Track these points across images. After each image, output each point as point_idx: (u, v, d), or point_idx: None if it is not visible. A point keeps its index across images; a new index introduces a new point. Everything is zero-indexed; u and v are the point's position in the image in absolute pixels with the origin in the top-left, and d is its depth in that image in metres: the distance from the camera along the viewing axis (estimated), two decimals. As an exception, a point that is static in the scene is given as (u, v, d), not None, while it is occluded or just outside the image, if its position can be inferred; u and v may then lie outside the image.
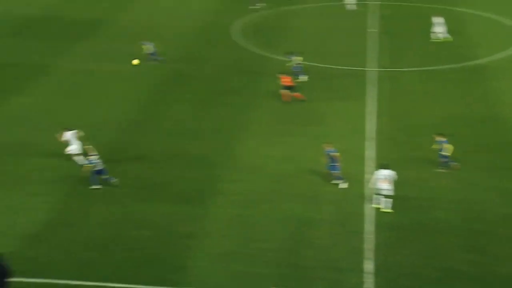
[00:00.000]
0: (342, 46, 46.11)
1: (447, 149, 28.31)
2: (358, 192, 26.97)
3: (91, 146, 27.09)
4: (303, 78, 38.94)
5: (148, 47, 41.32)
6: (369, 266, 22.26)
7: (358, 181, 27.66)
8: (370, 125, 33.18)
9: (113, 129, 32.49)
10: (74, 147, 28.31)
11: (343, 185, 27.46)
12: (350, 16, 53.77)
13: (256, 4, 56.02)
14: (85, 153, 27.10)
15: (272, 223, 25.02)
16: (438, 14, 47.65)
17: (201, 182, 27.99)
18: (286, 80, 36.23)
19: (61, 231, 23.89)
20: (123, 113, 34.37)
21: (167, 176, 28.32)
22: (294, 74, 38.37)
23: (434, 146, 28.77)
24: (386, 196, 25.57)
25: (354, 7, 55.24)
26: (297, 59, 39.31)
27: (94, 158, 26.63)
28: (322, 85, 38.89)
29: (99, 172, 26.65)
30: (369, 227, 24.58)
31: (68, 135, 28.56)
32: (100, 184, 26.67)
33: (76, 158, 28.17)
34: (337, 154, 27.42)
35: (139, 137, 31.88)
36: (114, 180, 27.00)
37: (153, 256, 22.78)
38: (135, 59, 34.50)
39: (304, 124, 33.54)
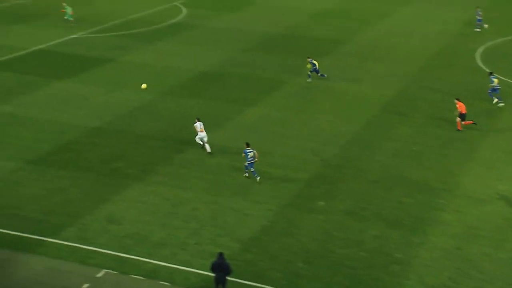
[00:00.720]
0: None
1: None
2: None
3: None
4: (500, 103, 36.87)
5: (312, 64, 40.81)
6: None
7: None
8: None
9: (338, 144, 32.22)
10: (201, 136, 30.66)
11: None
12: None
13: (484, 25, 52.84)
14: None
15: (495, 263, 22.49)
16: None
17: (419, 208, 26.32)
18: (461, 106, 33.57)
19: (277, 240, 24.10)
20: (349, 130, 33.95)
21: (383, 198, 27.14)
22: (491, 95, 37.02)
23: None
24: None
25: None
26: (495, 81, 36.95)
27: (249, 151, 28.09)
28: None
29: (250, 165, 28.16)
30: None
31: (198, 125, 30.71)
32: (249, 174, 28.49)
33: (206, 146, 30.70)
34: None
35: (361, 155, 31.14)
36: (258, 178, 28.10)
37: (361, 278, 21.85)
38: (143, 84, 33.83)
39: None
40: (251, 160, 28.22)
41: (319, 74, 41.22)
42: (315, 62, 41.04)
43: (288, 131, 33.79)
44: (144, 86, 32.47)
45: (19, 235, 23.95)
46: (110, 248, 23.31)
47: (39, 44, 47.63)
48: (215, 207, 26.29)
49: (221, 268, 20.49)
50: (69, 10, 53.08)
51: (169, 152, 31.01)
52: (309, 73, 41.09)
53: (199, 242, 23.87)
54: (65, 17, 53.01)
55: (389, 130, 34.16)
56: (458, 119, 33.73)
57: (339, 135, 33.34)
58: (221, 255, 20.67)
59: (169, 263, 22.59)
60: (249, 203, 26.62)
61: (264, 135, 33.21)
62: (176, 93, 38.97)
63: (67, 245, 23.45)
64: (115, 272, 22.09)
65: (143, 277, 21.88)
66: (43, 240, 23.66)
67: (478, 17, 53.48)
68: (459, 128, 33.63)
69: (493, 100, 37.16)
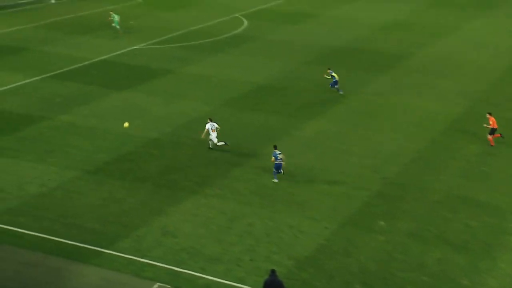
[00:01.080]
0: None
1: None
2: None
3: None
4: None
5: (331, 76, 40.51)
6: None
7: None
8: None
9: (401, 162, 31.50)
10: (212, 137, 32.11)
11: None
12: None
13: None
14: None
15: None
16: None
17: (488, 232, 25.34)
18: (492, 121, 32.75)
19: (334, 259, 23.67)
20: (413, 147, 33.18)
21: (448, 220, 26.28)
22: None
23: None
24: None
25: None
26: None
27: (278, 153, 29.05)
28: None
29: (277, 166, 28.97)
30: None
31: (208, 126, 32.06)
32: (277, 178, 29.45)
33: (219, 145, 32.16)
34: None
35: (425, 174, 30.33)
36: (276, 180, 29.15)
37: (423, 304, 21.19)
38: (126, 122, 33.25)
39: None
40: (279, 161, 29.08)
41: (335, 87, 40.76)
42: (335, 74, 40.72)
43: (348, 147, 33.33)
44: (126, 124, 33.17)
45: (76, 245, 24.44)
46: (164, 261, 23.46)
47: (102, 55, 48.98)
48: (270, 223, 26.11)
49: (273, 286, 20.25)
50: (116, 18, 54.67)
51: (226, 165, 31.10)
52: (330, 85, 41.01)
53: (254, 258, 23.73)
54: (113, 24, 54.64)
55: (455, 149, 33.18)
56: (489, 135, 33.22)
57: (401, 153, 32.62)
58: (273, 272, 20.45)
59: (223, 279, 22.51)
60: (306, 220, 26.32)
61: (322, 151, 32.87)
62: (235, 105, 39.17)
63: (122, 256, 23.76)
64: (168, 286, 22.16)
65: (196, 292, 21.95)
66: (99, 251, 24.06)
67: None
68: (492, 143, 33.01)
69: None
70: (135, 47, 51.26)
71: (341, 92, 40.78)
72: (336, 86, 40.79)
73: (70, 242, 24.60)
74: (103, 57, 48.47)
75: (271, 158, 29.42)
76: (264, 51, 50.63)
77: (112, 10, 57.50)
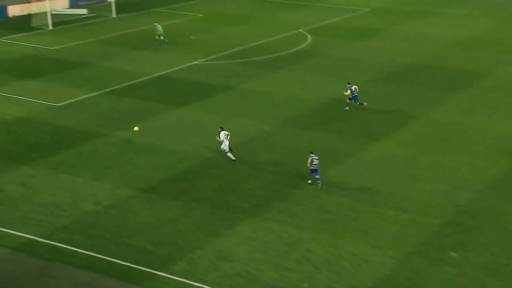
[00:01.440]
0: None
1: None
2: None
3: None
4: None
5: (350, 91, 40.24)
6: None
7: None
8: None
9: (475, 189, 30.51)
10: (225, 145, 33.53)
11: None
12: None
13: None
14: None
15: None
16: None
17: None
18: None
19: (399, 292, 23.11)
20: (489, 173, 32.10)
21: (529, 253, 25.18)
22: None
23: None
24: None
25: None
26: None
27: (315, 158, 30.43)
28: None
29: (314, 170, 30.48)
30: None
31: (222, 134, 33.56)
32: (312, 181, 30.90)
33: (228, 154, 33.68)
34: None
35: (502, 202, 29.20)
36: (320, 184, 30.35)
37: None
38: (135, 126, 35.23)
39: None
40: (315, 167, 30.32)
41: (357, 103, 40.51)
42: (354, 88, 40.32)
43: (417, 171, 32.53)
44: (136, 128, 34.64)
45: (129, 266, 24.66)
46: (219, 286, 23.35)
47: (161, 70, 49.89)
48: (331, 249, 25.65)
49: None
50: (160, 29, 55.97)
51: (284, 187, 30.89)
52: (348, 101, 40.58)
53: (313, 286, 23.31)
54: (162, 38, 56.19)
55: (536, 175, 31.93)
56: None
57: (476, 179, 31.58)
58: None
59: (279, 308, 22.27)
60: (370, 248, 25.72)
61: (389, 175, 32.20)
62: (295, 124, 38.97)
63: (175, 279, 23.81)
64: (221, 312, 22.10)
65: (251, 320, 21.72)
66: (152, 273, 24.19)
67: None
68: None
69: None
70: (194, 62, 52.00)
71: (364, 104, 40.89)
72: (357, 101, 40.59)
73: (123, 262, 24.85)
74: (162, 73, 49.36)
75: (333, 177, 29.13)
76: (328, 68, 50.39)
77: (157, 21, 58.95)
